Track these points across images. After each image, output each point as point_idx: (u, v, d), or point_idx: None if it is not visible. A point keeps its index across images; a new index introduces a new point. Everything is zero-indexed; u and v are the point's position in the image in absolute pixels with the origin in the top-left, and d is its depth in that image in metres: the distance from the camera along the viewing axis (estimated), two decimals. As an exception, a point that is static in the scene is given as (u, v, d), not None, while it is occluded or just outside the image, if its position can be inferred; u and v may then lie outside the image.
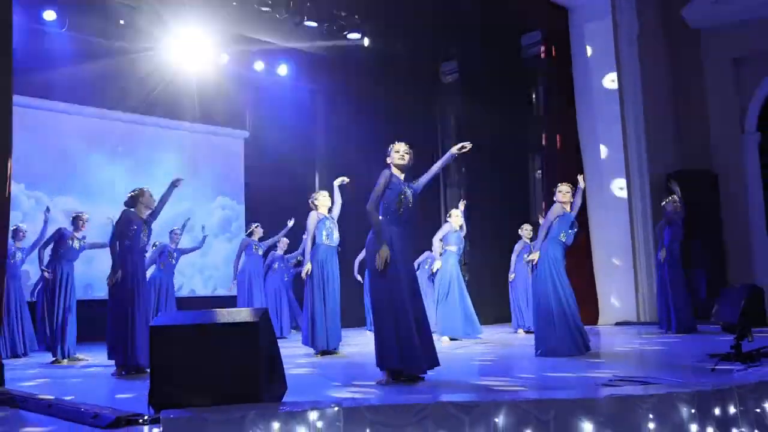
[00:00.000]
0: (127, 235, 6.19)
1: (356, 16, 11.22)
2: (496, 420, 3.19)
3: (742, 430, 3.57)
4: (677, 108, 11.96)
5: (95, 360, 7.28)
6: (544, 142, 11.61)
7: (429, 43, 12.84)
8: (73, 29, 10.44)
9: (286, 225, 10.50)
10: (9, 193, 5.19)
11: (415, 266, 10.28)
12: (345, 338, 7.88)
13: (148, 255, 7.32)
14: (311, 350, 7.15)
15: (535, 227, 9.90)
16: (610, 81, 10.86)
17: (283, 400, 3.60)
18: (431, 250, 9.57)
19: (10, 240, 7.23)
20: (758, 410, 3.68)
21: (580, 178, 7.04)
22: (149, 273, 8.63)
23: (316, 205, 7.46)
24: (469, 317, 8.61)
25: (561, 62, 11.21)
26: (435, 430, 3.14)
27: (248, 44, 11.97)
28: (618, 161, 10.76)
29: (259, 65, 12.56)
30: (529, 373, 5.31)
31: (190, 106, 12.25)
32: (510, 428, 3.19)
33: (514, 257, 9.73)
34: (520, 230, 9.85)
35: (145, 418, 3.47)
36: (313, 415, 3.06)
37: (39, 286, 8.85)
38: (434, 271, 9.46)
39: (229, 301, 10.74)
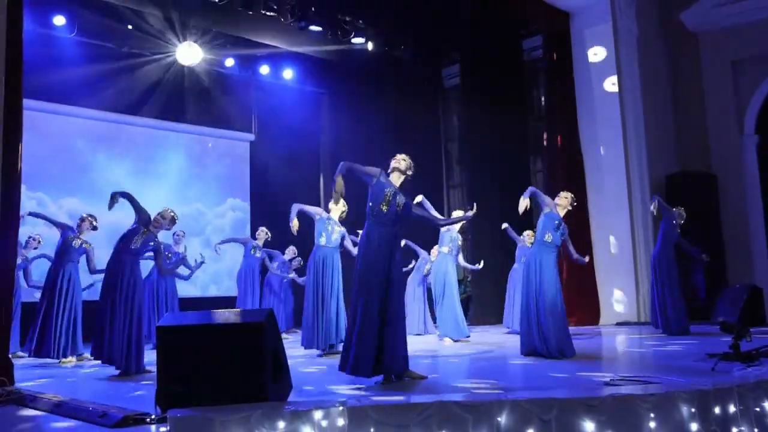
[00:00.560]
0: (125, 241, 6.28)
1: (360, 21, 11.28)
2: (499, 419, 3.22)
3: (742, 429, 3.60)
4: (677, 110, 12.00)
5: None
6: (545, 143, 11.66)
7: (432, 47, 12.91)
8: (82, 34, 10.53)
9: (294, 258, 10.61)
10: (19, 195, 5.27)
11: (410, 267, 10.38)
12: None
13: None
14: (314, 351, 7.19)
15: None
16: (611, 84, 10.90)
17: (288, 399, 3.64)
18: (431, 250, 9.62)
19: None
20: (758, 409, 3.71)
21: (585, 258, 7.05)
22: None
23: (329, 208, 7.42)
24: (461, 319, 8.62)
25: (562, 66, 11.26)
26: (438, 430, 3.16)
27: (254, 48, 12.05)
28: (618, 163, 10.80)
29: (264, 69, 12.64)
30: (529, 373, 5.34)
31: (197, 110, 12.33)
32: (512, 427, 3.22)
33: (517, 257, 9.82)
34: (525, 236, 9.89)
35: (152, 417, 3.52)
36: (317, 415, 3.09)
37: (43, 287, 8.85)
38: (426, 272, 9.52)
39: (230, 303, 10.79)
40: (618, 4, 10.95)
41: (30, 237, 8.51)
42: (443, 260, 8.68)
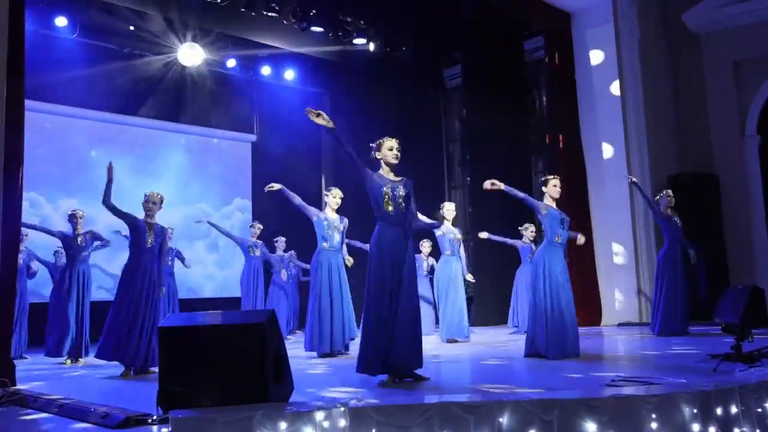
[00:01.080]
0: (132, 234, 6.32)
1: (361, 22, 11.30)
2: (501, 420, 3.22)
3: (744, 429, 3.60)
4: (678, 111, 12.00)
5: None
6: (546, 144, 11.67)
7: (433, 48, 12.92)
8: (84, 35, 10.55)
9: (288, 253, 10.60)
10: (20, 197, 5.28)
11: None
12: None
13: None
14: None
15: (538, 228, 9.98)
16: (612, 85, 10.90)
17: (290, 400, 3.65)
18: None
19: None
20: (760, 410, 3.71)
21: (580, 237, 6.94)
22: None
23: (326, 202, 7.43)
24: (465, 320, 8.64)
25: (564, 67, 11.26)
26: (440, 430, 3.17)
27: (255, 49, 12.07)
28: (620, 164, 10.80)
29: (266, 70, 12.66)
30: (530, 374, 5.34)
31: (198, 110, 12.35)
32: (514, 428, 3.22)
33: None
34: (523, 230, 9.91)
35: (154, 418, 3.52)
36: (319, 416, 3.08)
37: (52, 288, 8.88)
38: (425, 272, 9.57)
39: (236, 304, 10.80)
40: (619, 4, 10.95)
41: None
42: (447, 261, 8.69)
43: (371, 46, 11.73)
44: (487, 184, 6.40)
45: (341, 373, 5.76)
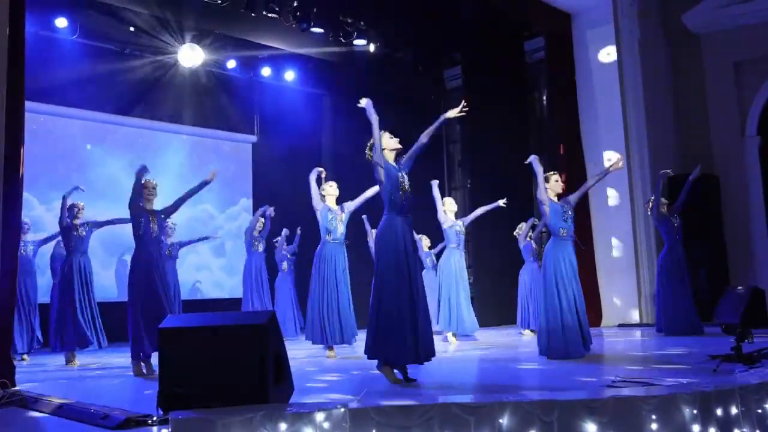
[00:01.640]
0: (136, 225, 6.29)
1: (362, 23, 11.30)
2: (501, 421, 3.22)
3: (744, 430, 3.60)
4: (679, 112, 12.01)
5: (106, 361, 7.35)
6: (547, 145, 11.68)
7: (433, 49, 12.93)
8: (84, 36, 10.55)
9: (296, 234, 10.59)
10: (21, 198, 5.28)
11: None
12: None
13: None
14: (316, 352, 7.21)
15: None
16: (613, 85, 10.89)
17: (290, 401, 3.65)
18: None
19: None
20: (760, 411, 3.71)
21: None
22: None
23: (323, 195, 7.39)
24: (470, 314, 8.63)
25: (564, 67, 11.26)
26: (440, 431, 3.17)
27: (256, 50, 12.08)
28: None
29: (266, 71, 12.65)
30: (531, 374, 5.35)
31: (198, 111, 12.34)
32: (514, 429, 3.22)
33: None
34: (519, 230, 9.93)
35: (154, 419, 3.52)
36: (319, 416, 3.09)
37: (52, 286, 8.88)
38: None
39: (236, 304, 10.80)
40: (619, 5, 10.95)
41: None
42: (452, 254, 8.68)
43: (371, 47, 11.74)
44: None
45: (341, 373, 5.76)
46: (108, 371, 6.55)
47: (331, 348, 7.08)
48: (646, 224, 10.71)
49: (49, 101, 10.57)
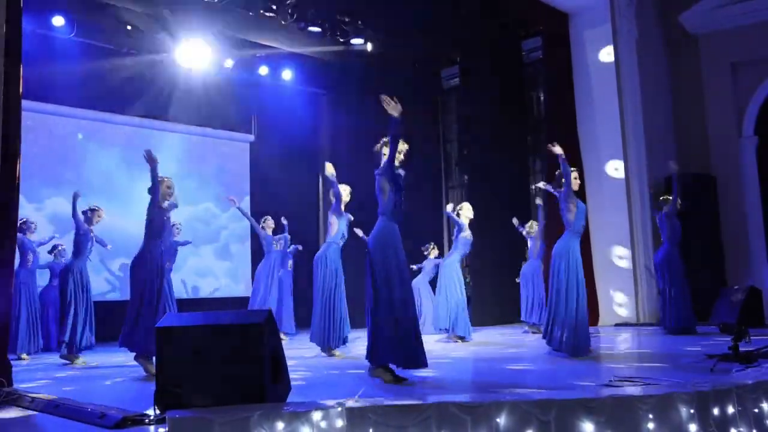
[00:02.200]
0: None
1: (359, 22, 11.29)
2: (498, 420, 3.22)
3: (741, 430, 3.60)
4: (676, 112, 12.03)
5: (102, 361, 7.33)
6: (544, 144, 11.66)
7: (431, 48, 12.91)
8: (81, 34, 10.53)
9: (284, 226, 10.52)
10: (17, 195, 5.27)
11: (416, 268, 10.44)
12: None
13: None
14: (313, 352, 7.23)
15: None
16: (610, 85, 10.90)
17: (287, 400, 3.65)
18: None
19: (22, 235, 7.37)
20: (756, 410, 3.72)
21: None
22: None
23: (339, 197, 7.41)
24: (465, 316, 8.66)
25: (561, 67, 11.27)
26: (437, 431, 3.17)
27: (253, 49, 12.06)
28: (617, 164, 10.83)
29: (263, 70, 12.64)
30: (528, 373, 5.35)
31: (196, 111, 12.32)
32: (511, 428, 3.23)
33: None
34: (528, 227, 9.96)
35: (151, 418, 3.52)
36: (316, 416, 3.09)
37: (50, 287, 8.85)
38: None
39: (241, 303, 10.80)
40: (617, 5, 10.96)
41: (26, 221, 8.43)
42: (456, 260, 8.72)
43: (369, 46, 11.72)
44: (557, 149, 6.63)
45: (339, 371, 5.76)
46: (105, 370, 6.54)
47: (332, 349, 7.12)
48: (643, 224, 10.72)
49: (44, 100, 10.54)
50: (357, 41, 11.50)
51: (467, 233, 8.67)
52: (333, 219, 7.37)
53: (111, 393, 5.07)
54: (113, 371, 6.32)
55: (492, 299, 11.58)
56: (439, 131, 14.37)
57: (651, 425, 3.35)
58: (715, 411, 3.55)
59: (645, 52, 11.33)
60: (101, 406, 3.88)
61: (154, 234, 6.24)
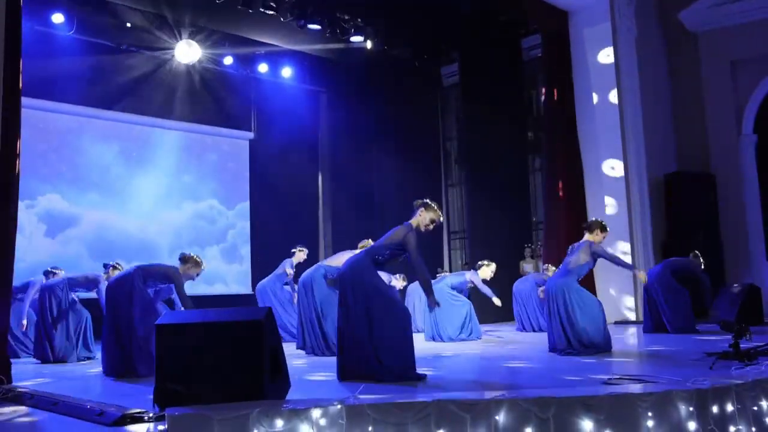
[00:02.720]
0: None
1: (359, 20, 11.30)
2: (497, 418, 3.22)
3: (740, 427, 3.60)
4: (675, 110, 12.04)
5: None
6: (543, 142, 11.69)
7: (430, 46, 12.92)
8: (81, 32, 10.52)
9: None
10: (17, 195, 5.27)
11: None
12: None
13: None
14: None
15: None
16: (609, 83, 10.90)
17: (287, 397, 3.65)
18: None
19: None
20: (755, 408, 3.71)
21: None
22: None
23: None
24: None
25: (561, 65, 11.25)
26: (436, 428, 3.16)
27: (253, 47, 12.06)
28: (617, 162, 10.83)
29: (263, 67, 12.64)
30: (527, 371, 5.35)
31: (196, 107, 12.33)
32: (510, 426, 3.22)
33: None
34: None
35: (151, 415, 3.51)
36: (316, 413, 3.08)
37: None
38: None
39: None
40: (617, 3, 10.95)
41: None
42: (443, 287, 8.78)
43: (368, 44, 11.73)
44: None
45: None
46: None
47: None
48: (642, 221, 10.73)
49: (43, 97, 10.54)
50: (357, 39, 11.51)
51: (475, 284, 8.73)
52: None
53: (110, 390, 5.07)
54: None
55: (488, 299, 11.56)
56: (438, 129, 14.37)
57: (650, 423, 3.35)
58: (714, 409, 3.54)
59: (644, 51, 11.33)
60: (100, 404, 3.87)
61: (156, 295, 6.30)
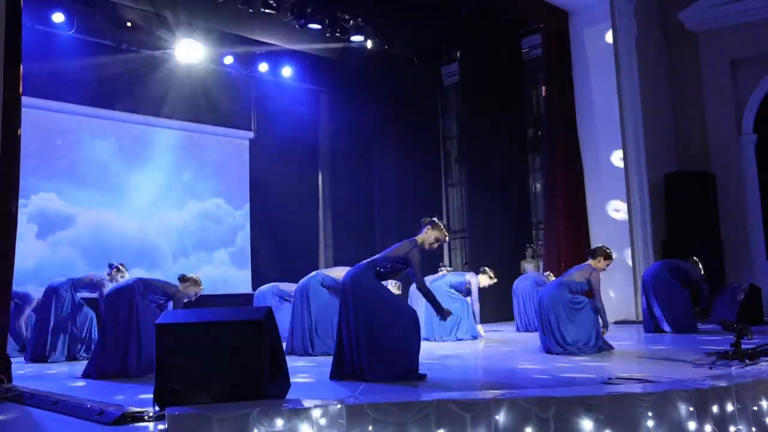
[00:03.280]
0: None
1: (359, 19, 11.30)
2: (497, 417, 3.22)
3: (740, 427, 3.60)
4: (675, 109, 12.03)
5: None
6: (544, 142, 11.68)
7: (431, 45, 12.92)
8: (81, 31, 10.52)
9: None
10: (17, 195, 5.27)
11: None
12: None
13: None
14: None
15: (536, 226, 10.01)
16: (609, 83, 10.90)
17: (287, 397, 3.65)
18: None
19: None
20: (755, 408, 3.72)
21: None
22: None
23: None
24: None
25: (561, 64, 11.26)
26: (436, 428, 3.17)
27: (253, 46, 12.06)
28: (617, 162, 10.83)
29: (263, 67, 12.64)
30: (527, 371, 5.35)
31: (196, 107, 12.33)
32: (511, 426, 3.22)
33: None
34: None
35: (151, 414, 3.51)
36: (316, 413, 3.09)
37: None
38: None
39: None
40: (617, 3, 10.96)
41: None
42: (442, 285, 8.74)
43: (369, 44, 11.72)
44: None
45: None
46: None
47: None
48: (642, 222, 10.73)
49: (44, 96, 10.53)
50: (357, 38, 11.51)
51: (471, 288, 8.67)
52: None
53: (110, 390, 5.06)
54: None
55: (491, 296, 11.56)
56: (438, 128, 14.37)
57: (650, 423, 3.35)
58: (715, 409, 3.55)
59: (644, 50, 11.32)
60: (100, 403, 3.87)
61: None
